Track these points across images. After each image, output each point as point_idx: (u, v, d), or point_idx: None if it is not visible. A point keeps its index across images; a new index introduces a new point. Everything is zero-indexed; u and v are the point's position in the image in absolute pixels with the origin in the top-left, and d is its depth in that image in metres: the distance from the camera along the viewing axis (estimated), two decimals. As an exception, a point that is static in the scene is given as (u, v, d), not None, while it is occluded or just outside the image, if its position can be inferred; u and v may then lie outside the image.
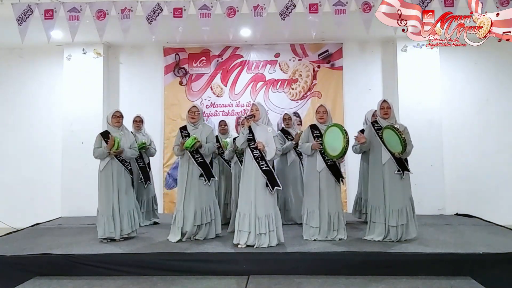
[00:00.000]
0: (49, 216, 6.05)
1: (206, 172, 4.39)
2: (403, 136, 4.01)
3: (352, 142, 4.37)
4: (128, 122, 6.51)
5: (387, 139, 4.15)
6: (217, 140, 5.18)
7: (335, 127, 4.19)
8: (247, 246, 3.95)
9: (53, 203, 6.35)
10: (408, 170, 4.20)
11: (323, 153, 4.26)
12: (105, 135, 4.44)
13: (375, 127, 4.30)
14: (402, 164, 4.17)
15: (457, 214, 6.08)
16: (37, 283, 3.54)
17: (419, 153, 5.79)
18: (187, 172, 4.35)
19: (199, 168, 4.35)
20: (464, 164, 6.41)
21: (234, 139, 4.90)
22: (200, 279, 3.56)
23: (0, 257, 3.80)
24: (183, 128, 4.50)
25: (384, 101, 4.34)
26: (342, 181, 4.36)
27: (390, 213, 4.12)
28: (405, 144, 4.00)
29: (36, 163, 6.63)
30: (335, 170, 4.30)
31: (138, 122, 5.44)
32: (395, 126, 4.15)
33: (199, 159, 4.36)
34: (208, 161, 4.45)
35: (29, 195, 6.58)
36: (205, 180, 4.36)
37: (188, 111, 4.49)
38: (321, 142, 4.27)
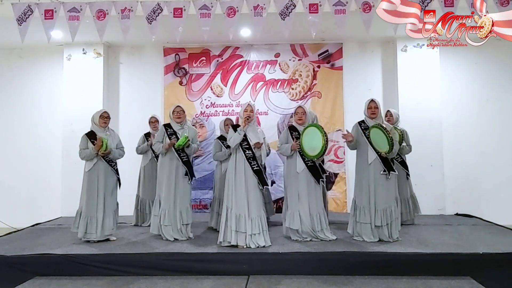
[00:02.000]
0: (49, 216, 6.05)
1: (190, 171, 4.48)
2: (390, 135, 4.01)
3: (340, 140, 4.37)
4: (127, 122, 6.62)
5: (374, 138, 4.15)
6: (224, 139, 5.22)
7: (313, 127, 4.18)
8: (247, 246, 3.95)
9: (53, 203, 6.35)
10: (393, 170, 4.20)
11: (302, 155, 4.24)
12: (90, 135, 4.39)
13: (362, 127, 4.31)
14: (388, 164, 4.17)
15: (457, 214, 6.08)
16: (37, 283, 3.54)
17: (419, 153, 5.82)
18: (172, 170, 4.40)
19: (184, 166, 4.42)
20: (464, 164, 6.42)
21: (220, 138, 4.93)
22: (200, 279, 3.56)
23: (0, 257, 3.80)
24: (168, 126, 4.53)
25: (372, 100, 4.31)
26: (323, 181, 4.34)
27: (376, 213, 4.13)
28: (392, 143, 4.00)
29: (36, 163, 6.64)
30: (315, 171, 4.27)
31: (154, 122, 5.42)
32: (383, 125, 4.15)
33: (184, 157, 4.43)
34: (190, 160, 4.54)
35: (29, 195, 6.59)
36: (189, 179, 4.46)
37: (173, 112, 4.53)
38: (299, 143, 4.24)
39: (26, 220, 5.75)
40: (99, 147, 4.25)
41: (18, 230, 5.19)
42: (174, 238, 4.33)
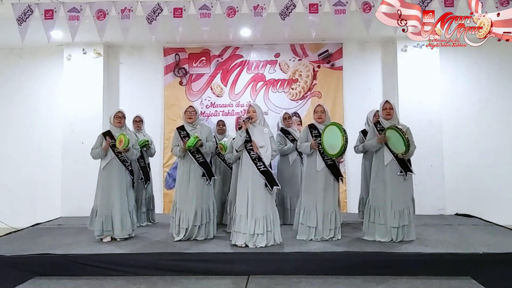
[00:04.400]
0: (49, 216, 6.05)
1: (208, 171, 4.43)
2: (406, 136, 4.01)
3: (352, 141, 4.37)
4: (126, 122, 6.59)
5: (390, 139, 4.14)
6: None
7: (334, 125, 4.18)
8: (245, 246, 3.95)
9: (53, 203, 6.35)
10: (410, 171, 4.19)
11: (323, 153, 4.25)
12: (107, 135, 4.46)
13: (378, 128, 4.30)
14: (404, 165, 4.16)
15: (457, 214, 6.08)
16: (37, 283, 3.54)
17: (419, 153, 5.76)
18: (189, 171, 4.37)
19: (201, 167, 4.38)
20: (464, 164, 6.41)
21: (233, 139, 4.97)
22: (200, 279, 3.56)
23: (0, 257, 3.80)
24: (181, 128, 4.51)
25: (387, 101, 4.34)
26: (341, 180, 4.36)
27: (392, 214, 4.11)
28: (408, 144, 4.00)
29: (36, 163, 6.64)
30: (334, 170, 4.29)
31: (138, 122, 5.44)
32: (398, 126, 4.15)
33: (200, 158, 4.39)
34: (208, 160, 4.48)
35: (29, 195, 6.58)
36: (207, 180, 4.40)
37: (185, 112, 4.52)
38: (319, 141, 4.25)
39: (26, 220, 5.74)
40: (120, 143, 4.29)
41: (18, 230, 5.18)
42: (188, 239, 4.32)
